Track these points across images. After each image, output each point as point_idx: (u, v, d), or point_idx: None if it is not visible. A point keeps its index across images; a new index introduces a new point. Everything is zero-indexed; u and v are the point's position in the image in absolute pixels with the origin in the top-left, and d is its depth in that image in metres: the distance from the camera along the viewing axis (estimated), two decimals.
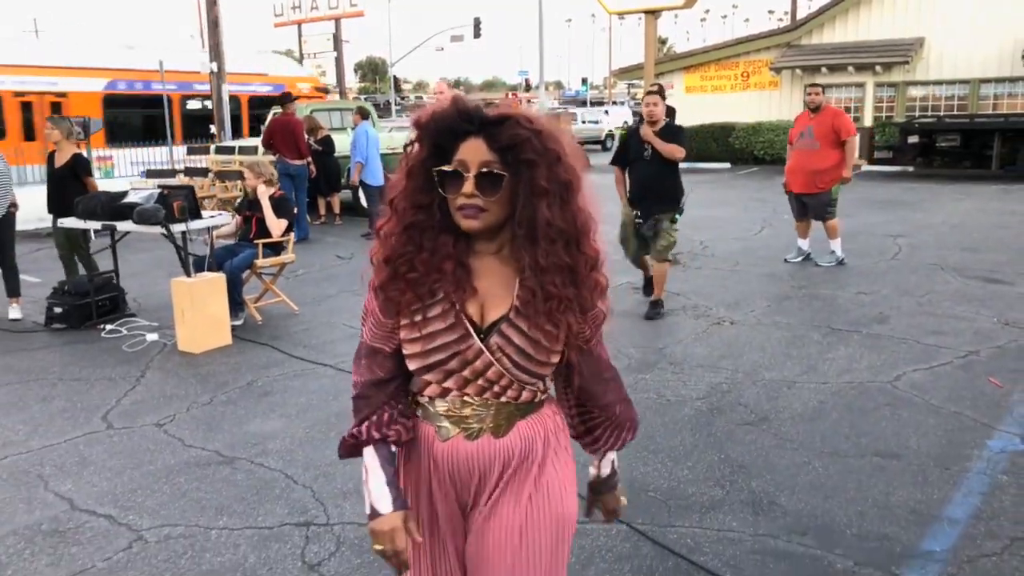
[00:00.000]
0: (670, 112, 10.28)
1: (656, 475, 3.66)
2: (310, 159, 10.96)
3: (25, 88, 15.01)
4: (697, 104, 22.71)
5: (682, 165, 6.24)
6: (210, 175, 13.16)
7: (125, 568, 2.99)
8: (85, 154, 7.19)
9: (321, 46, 32.71)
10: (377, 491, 1.55)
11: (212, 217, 6.48)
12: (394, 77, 55.00)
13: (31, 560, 3.06)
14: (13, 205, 6.75)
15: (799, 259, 8.33)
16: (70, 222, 6.39)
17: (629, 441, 1.75)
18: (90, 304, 6.42)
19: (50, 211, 7.03)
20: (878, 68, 19.98)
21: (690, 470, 3.70)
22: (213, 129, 16.88)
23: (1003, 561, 2.90)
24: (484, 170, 1.42)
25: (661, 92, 6.35)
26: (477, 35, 44.82)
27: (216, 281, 5.78)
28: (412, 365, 1.53)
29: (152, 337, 6.03)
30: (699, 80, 23.50)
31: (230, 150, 13.50)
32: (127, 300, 6.87)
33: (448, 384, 1.52)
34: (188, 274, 5.86)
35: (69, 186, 6.90)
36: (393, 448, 1.60)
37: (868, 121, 20.26)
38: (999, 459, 3.72)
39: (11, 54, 15.10)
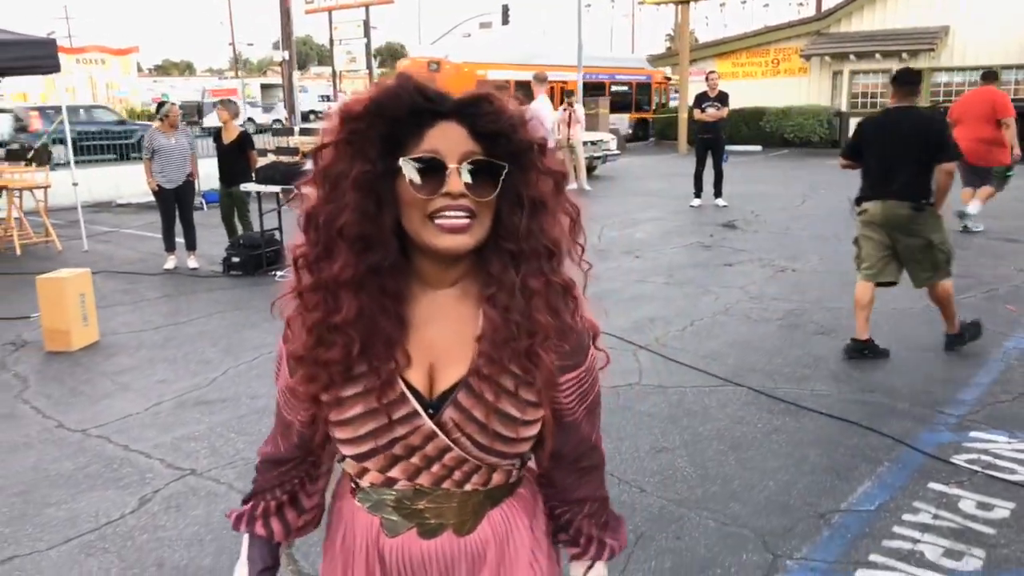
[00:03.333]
0: (723, 96, 11.64)
1: (758, 361, 5.01)
2: None
3: (523, 79, 22.89)
4: (729, 89, 23.74)
5: None
6: None
7: None
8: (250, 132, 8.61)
9: (351, 33, 34.00)
10: None
11: None
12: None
13: None
14: (191, 174, 8.18)
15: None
16: (250, 186, 7.80)
17: (612, 555, 1.32)
18: (261, 255, 7.83)
19: (221, 181, 8.44)
20: (904, 55, 21.06)
21: (783, 359, 5.06)
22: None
23: (1013, 404, 4.25)
24: (474, 159, 1.05)
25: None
26: (505, 21, 45.78)
27: None
28: (344, 451, 1.16)
29: None
30: (731, 66, 24.62)
31: (315, 132, 14.86)
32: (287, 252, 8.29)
33: (393, 473, 1.15)
34: None
35: (235, 159, 8.31)
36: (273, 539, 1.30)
37: None
38: (1013, 352, 5.06)
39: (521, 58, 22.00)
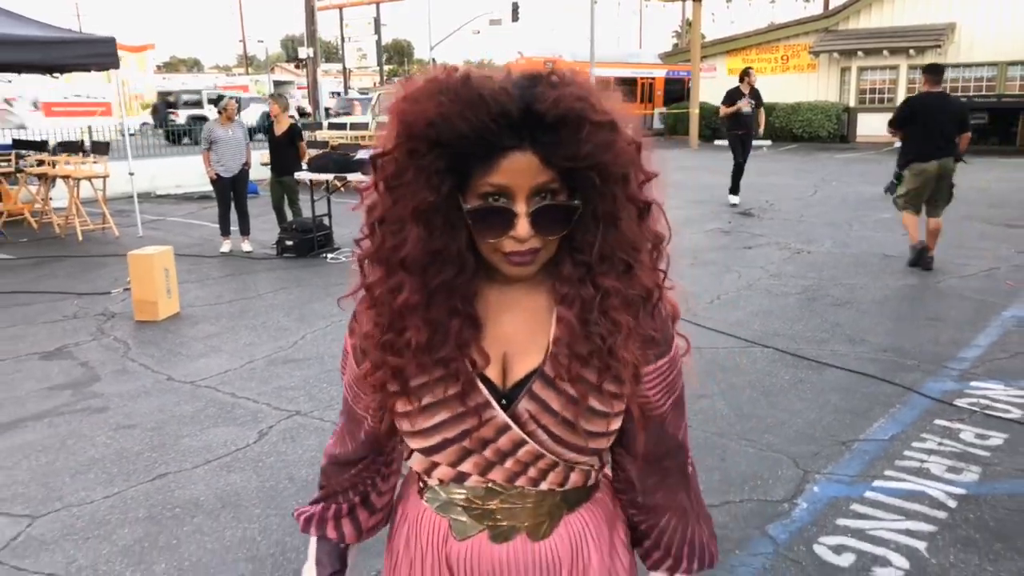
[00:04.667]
0: (757, 94, 12.16)
1: (781, 328, 5.58)
2: None
3: (627, 76, 25.68)
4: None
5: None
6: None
7: None
8: (299, 124, 9.21)
9: (362, 30, 34.63)
10: None
11: None
12: (433, 60, 56.87)
13: None
14: (246, 164, 8.77)
15: None
16: (303, 174, 8.40)
17: (692, 572, 1.19)
18: (312, 238, 8.42)
19: (272, 171, 9.03)
20: (911, 52, 21.56)
21: (803, 326, 5.63)
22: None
23: (1009, 361, 4.82)
24: (543, 203, 0.97)
25: None
26: (515, 19, 46.27)
27: None
28: (411, 444, 1.10)
29: None
30: (740, 63, 24.96)
31: (342, 126, 15.46)
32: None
33: (464, 468, 1.08)
34: None
35: (285, 150, 8.90)
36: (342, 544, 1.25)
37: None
38: (1010, 320, 5.63)
39: (619, 57, 25.93)
